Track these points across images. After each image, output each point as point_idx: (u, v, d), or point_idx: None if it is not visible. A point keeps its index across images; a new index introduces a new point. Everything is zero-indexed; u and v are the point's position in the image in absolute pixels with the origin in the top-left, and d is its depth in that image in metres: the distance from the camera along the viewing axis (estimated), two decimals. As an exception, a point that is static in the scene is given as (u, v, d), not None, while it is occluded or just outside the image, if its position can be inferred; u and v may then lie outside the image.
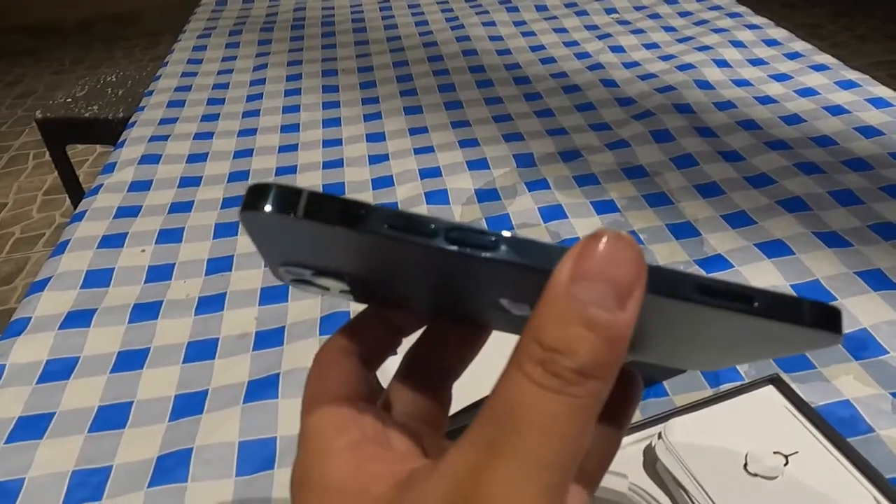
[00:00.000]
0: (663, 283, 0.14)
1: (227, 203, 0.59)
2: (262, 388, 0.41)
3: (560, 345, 0.13)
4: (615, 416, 0.19)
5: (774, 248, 0.48)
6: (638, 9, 0.94)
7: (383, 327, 0.21)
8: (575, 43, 0.85)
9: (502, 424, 0.14)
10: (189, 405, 0.40)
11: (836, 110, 0.65)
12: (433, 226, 0.14)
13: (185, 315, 0.47)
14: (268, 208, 0.14)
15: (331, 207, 0.14)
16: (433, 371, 0.21)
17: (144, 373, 0.43)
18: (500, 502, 0.13)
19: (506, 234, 0.14)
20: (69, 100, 1.45)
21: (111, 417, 0.40)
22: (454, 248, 0.14)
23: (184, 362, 0.43)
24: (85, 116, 1.39)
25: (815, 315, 0.14)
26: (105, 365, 0.43)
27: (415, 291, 0.19)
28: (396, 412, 0.20)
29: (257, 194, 0.14)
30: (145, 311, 0.47)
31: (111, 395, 0.41)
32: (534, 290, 0.14)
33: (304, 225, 0.14)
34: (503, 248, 0.14)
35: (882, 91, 0.67)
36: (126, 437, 0.39)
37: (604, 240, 0.13)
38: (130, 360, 0.44)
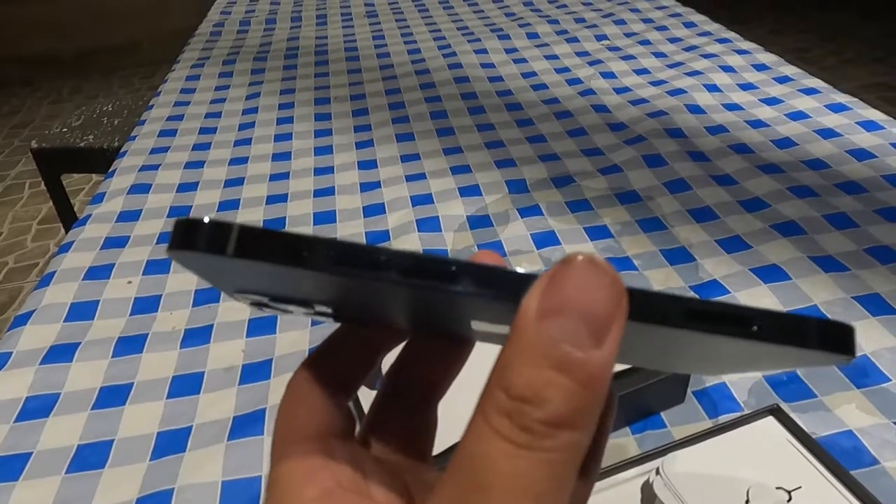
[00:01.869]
0: (648, 310, 0.12)
1: (216, 232, 0.58)
2: (247, 424, 0.40)
3: (528, 392, 0.12)
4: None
5: (770, 273, 0.47)
6: (628, 35, 0.95)
7: (359, 346, 0.19)
8: (566, 69, 0.86)
9: (468, 484, 0.12)
10: (172, 443, 0.39)
11: (827, 133, 0.65)
12: (384, 257, 0.13)
13: (171, 348, 0.46)
14: (195, 246, 0.13)
15: (265, 244, 0.13)
16: (416, 389, 0.19)
17: (127, 409, 0.42)
18: None
19: (468, 262, 0.13)
20: (65, 129, 1.46)
21: (90, 457, 0.38)
22: (412, 281, 0.13)
23: (168, 397, 0.42)
24: (80, 146, 1.39)
25: (822, 336, 0.13)
26: (86, 401, 0.42)
27: (385, 313, 0.18)
28: (376, 447, 0.19)
29: (184, 231, 0.13)
30: (130, 345, 0.46)
31: (92, 433, 0.40)
32: (508, 315, 0.13)
33: (238, 262, 0.13)
34: (465, 279, 0.13)
35: (872, 114, 0.67)
36: (105, 478, 0.37)
37: (574, 266, 0.12)
38: (113, 396, 0.42)
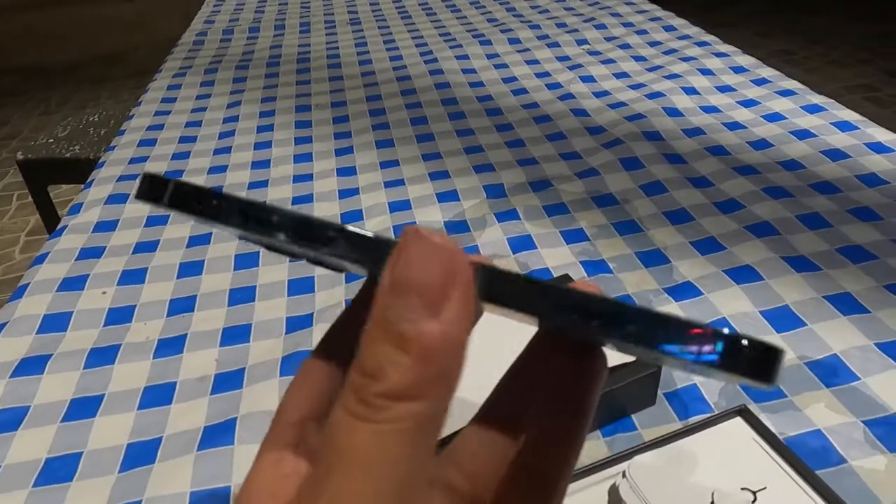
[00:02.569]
0: (496, 291, 0.12)
1: (193, 241, 0.58)
2: (217, 434, 0.39)
3: (370, 368, 0.12)
4: (570, 402, 0.16)
5: (743, 274, 0.48)
6: (608, 39, 0.95)
7: (332, 367, 0.18)
8: (546, 74, 0.86)
9: (321, 459, 0.12)
10: (141, 454, 0.39)
11: (802, 134, 0.65)
12: (275, 218, 0.14)
13: (144, 358, 0.46)
14: (145, 197, 0.15)
15: (189, 199, 0.15)
16: None
17: (97, 421, 0.41)
18: None
19: (350, 228, 0.13)
20: (51, 140, 1.45)
21: (58, 470, 0.38)
22: (298, 244, 0.14)
23: (139, 408, 0.42)
24: (66, 157, 1.39)
25: (730, 354, 0.12)
26: (56, 414, 0.42)
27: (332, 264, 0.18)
28: None
29: (142, 183, 0.16)
30: (102, 356, 0.46)
31: (61, 445, 0.40)
32: None
33: (174, 211, 0.15)
34: (342, 243, 0.13)
35: (847, 114, 0.68)
36: (73, 491, 0.37)
37: (408, 241, 0.12)
38: (83, 408, 0.42)
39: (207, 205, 0.15)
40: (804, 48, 2.61)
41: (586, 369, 0.16)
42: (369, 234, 0.14)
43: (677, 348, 0.12)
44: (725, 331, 0.12)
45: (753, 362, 0.12)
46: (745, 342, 0.12)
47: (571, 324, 0.12)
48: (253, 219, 0.14)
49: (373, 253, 0.13)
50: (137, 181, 0.16)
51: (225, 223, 0.15)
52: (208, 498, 0.36)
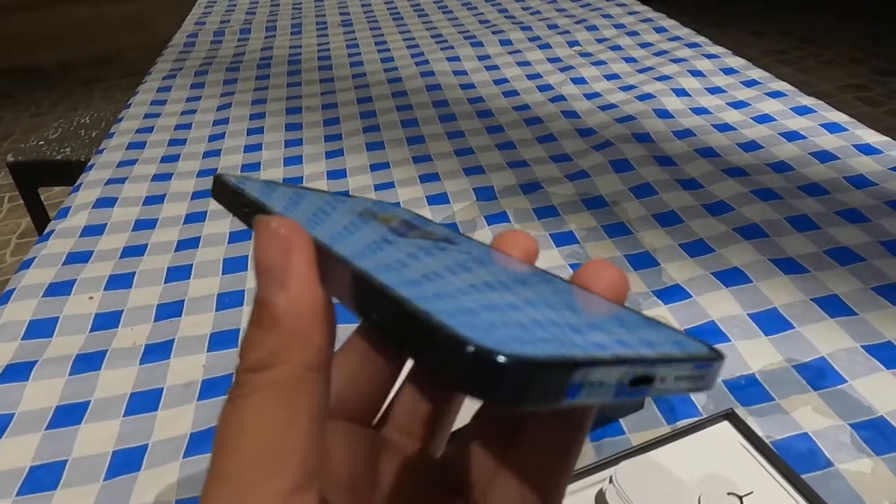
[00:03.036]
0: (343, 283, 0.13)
1: (181, 245, 0.58)
2: (204, 441, 0.39)
3: (241, 350, 0.13)
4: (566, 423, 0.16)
5: (732, 277, 0.48)
6: (600, 41, 0.95)
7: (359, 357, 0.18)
8: (538, 75, 0.86)
9: (215, 448, 0.13)
10: (127, 462, 0.38)
11: (792, 136, 0.65)
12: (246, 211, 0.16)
13: (130, 364, 0.45)
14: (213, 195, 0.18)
15: (227, 195, 0.18)
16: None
17: (82, 428, 0.41)
18: None
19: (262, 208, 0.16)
20: (41, 142, 1.45)
21: (42, 479, 0.38)
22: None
23: (125, 415, 0.42)
24: (57, 159, 1.38)
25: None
26: (41, 421, 0.41)
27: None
28: (389, 429, 0.18)
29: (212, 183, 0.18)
30: (88, 362, 0.46)
31: (45, 453, 0.39)
32: None
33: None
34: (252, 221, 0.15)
35: (837, 116, 0.68)
36: (57, 500, 0.36)
37: (255, 229, 0.14)
38: (68, 415, 0.42)
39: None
40: (798, 48, 2.62)
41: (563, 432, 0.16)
42: None
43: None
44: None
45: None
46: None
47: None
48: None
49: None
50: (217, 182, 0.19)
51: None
52: (193, 506, 0.35)
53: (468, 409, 0.18)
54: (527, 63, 0.90)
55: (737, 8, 3.09)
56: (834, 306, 0.44)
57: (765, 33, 2.79)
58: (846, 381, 0.39)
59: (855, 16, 2.85)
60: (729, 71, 0.81)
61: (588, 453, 0.36)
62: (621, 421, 0.38)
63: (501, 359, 0.09)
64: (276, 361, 0.13)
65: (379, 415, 0.18)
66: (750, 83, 0.77)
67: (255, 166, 0.71)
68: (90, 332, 0.49)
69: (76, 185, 0.69)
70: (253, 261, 0.14)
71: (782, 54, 2.54)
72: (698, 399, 0.39)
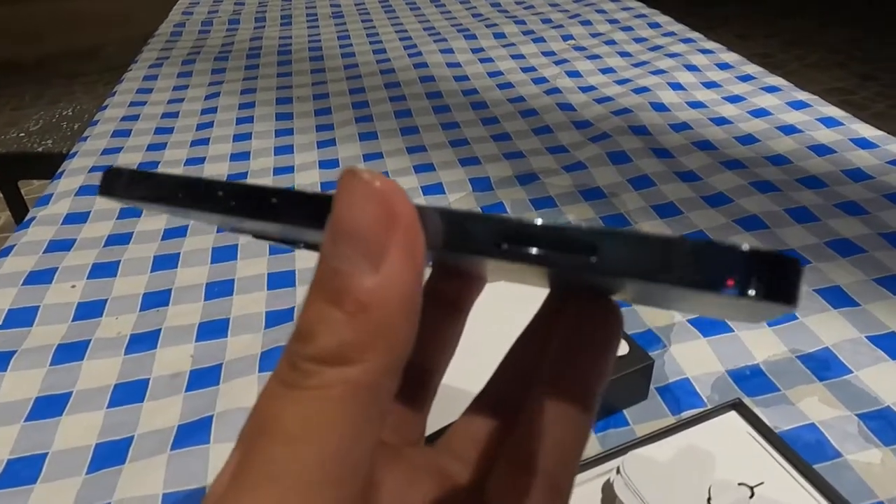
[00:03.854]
0: (447, 234, 0.11)
1: (168, 234, 0.56)
2: (192, 433, 0.38)
3: (303, 329, 0.11)
4: (574, 385, 0.14)
5: (733, 268, 0.47)
6: (594, 36, 0.95)
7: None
8: (532, 68, 0.85)
9: (251, 436, 0.11)
10: (111, 454, 0.37)
11: (788, 130, 0.65)
12: (220, 192, 0.13)
13: (115, 354, 0.44)
14: (104, 192, 0.15)
15: (123, 182, 0.15)
16: (411, 370, 0.18)
17: (63, 420, 0.39)
18: None
19: (290, 190, 0.12)
20: (22, 134, 1.41)
21: (21, 472, 0.36)
22: (244, 217, 0.13)
23: (108, 407, 0.40)
24: (38, 151, 1.35)
25: (710, 270, 0.09)
26: (19, 413, 0.39)
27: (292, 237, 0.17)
28: None
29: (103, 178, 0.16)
30: (70, 352, 0.44)
31: (23, 446, 0.37)
32: None
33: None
34: (284, 212, 0.12)
35: (832, 111, 0.68)
36: (36, 494, 0.35)
37: (343, 185, 0.11)
38: (49, 407, 0.40)
39: (146, 187, 0.14)
40: (782, 51, 2.64)
41: (592, 329, 0.14)
42: (313, 192, 0.12)
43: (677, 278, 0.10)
44: (743, 246, 0.10)
45: (771, 280, 0.09)
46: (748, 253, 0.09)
47: (544, 263, 0.10)
48: (192, 195, 0.13)
49: (322, 212, 0.12)
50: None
51: (168, 203, 0.14)
52: (182, 499, 0.34)
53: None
54: (521, 56, 0.90)
55: (721, 11, 3.12)
56: (837, 297, 0.44)
57: (750, 36, 2.82)
58: (851, 372, 0.38)
59: (839, 20, 2.89)
60: (724, 66, 0.81)
61: (593, 444, 0.35)
62: (625, 412, 0.37)
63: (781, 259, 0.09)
64: (354, 358, 0.11)
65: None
66: (745, 78, 0.77)
67: (245, 155, 0.69)
68: (73, 321, 0.47)
69: (59, 172, 0.67)
70: (332, 217, 0.11)
71: (767, 57, 2.57)
72: (702, 390, 0.38)
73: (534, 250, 0.10)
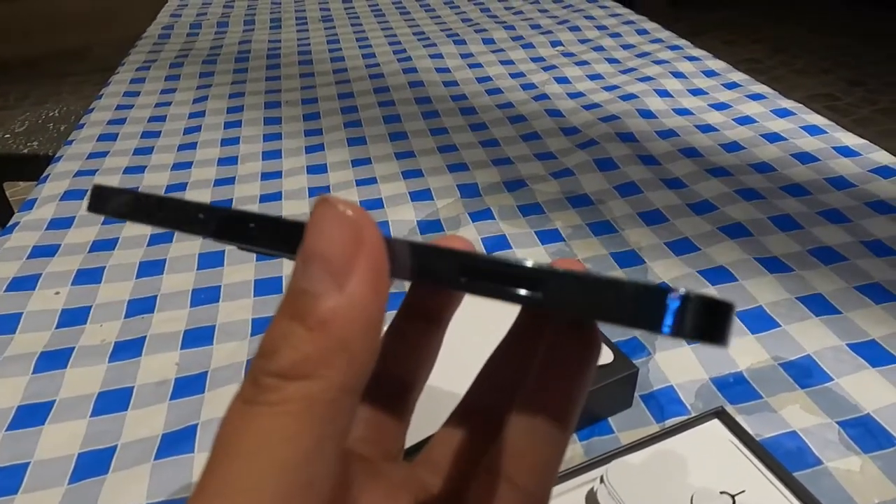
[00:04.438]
0: (416, 264, 0.12)
1: (154, 240, 0.56)
2: (177, 442, 0.37)
3: (267, 345, 0.11)
4: (553, 403, 0.14)
5: (717, 275, 0.47)
6: (582, 42, 0.95)
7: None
8: (521, 74, 0.86)
9: (212, 451, 0.11)
10: (93, 464, 0.36)
11: (773, 137, 0.66)
12: (201, 216, 0.13)
13: (99, 362, 0.43)
14: (94, 208, 0.16)
15: (119, 201, 0.15)
16: (388, 388, 0.18)
17: (46, 429, 0.39)
18: None
19: (265, 217, 0.13)
20: (7, 135, 1.39)
21: (1, 483, 0.35)
22: (221, 241, 0.13)
23: (92, 415, 0.40)
24: (23, 152, 1.33)
25: (643, 310, 0.10)
26: (1, 422, 0.39)
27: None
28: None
29: (90, 194, 0.16)
30: (53, 360, 0.43)
31: (5, 456, 0.37)
32: None
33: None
34: (261, 236, 0.13)
35: (816, 119, 0.69)
36: (17, 505, 0.34)
37: (316, 209, 0.11)
38: (31, 416, 0.39)
39: (128, 205, 0.15)
40: (769, 57, 2.67)
41: (572, 349, 0.15)
42: (289, 219, 0.13)
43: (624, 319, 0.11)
44: (678, 291, 0.11)
45: (703, 322, 0.10)
46: (688, 301, 0.10)
47: (499, 296, 0.11)
48: (175, 218, 0.14)
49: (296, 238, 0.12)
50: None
51: (150, 222, 0.14)
52: (165, 510, 0.34)
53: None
54: (510, 62, 0.90)
55: (708, 17, 3.15)
56: (819, 305, 0.44)
57: (737, 42, 2.85)
58: (833, 380, 0.39)
59: (826, 26, 2.93)
60: (710, 73, 0.82)
61: (577, 453, 0.36)
62: (610, 420, 0.38)
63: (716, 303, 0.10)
64: (313, 372, 0.11)
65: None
66: (731, 85, 0.78)
67: (233, 160, 0.69)
68: (56, 328, 0.46)
69: (43, 176, 0.67)
70: (304, 240, 0.11)
71: (754, 63, 2.60)
72: (686, 397, 0.39)
73: (489, 285, 0.11)
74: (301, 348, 0.11)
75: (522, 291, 0.11)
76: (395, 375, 0.18)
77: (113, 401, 0.40)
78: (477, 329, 0.28)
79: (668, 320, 0.10)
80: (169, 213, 0.14)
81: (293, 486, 0.11)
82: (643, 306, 0.10)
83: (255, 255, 0.52)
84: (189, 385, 0.41)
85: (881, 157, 0.61)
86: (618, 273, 0.49)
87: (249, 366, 0.12)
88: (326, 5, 1.21)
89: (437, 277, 0.12)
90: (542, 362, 0.15)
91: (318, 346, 0.11)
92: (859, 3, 3.09)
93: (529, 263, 0.11)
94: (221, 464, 0.11)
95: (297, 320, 0.11)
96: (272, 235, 0.13)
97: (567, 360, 0.14)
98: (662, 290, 0.10)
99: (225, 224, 0.13)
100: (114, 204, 0.15)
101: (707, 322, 0.10)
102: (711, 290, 0.46)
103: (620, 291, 0.10)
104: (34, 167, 1.32)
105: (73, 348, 0.44)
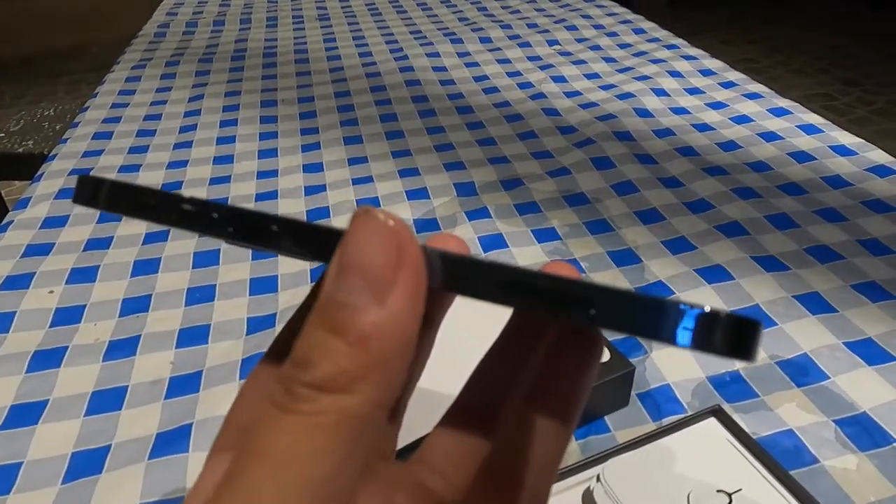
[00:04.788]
0: (454, 274, 0.11)
1: (149, 238, 0.55)
2: (171, 441, 0.37)
3: (301, 356, 0.11)
4: (557, 401, 0.15)
5: (714, 274, 0.47)
6: (579, 41, 0.95)
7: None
8: (518, 73, 0.86)
9: (238, 455, 0.11)
10: (87, 464, 0.36)
11: (770, 136, 0.66)
12: (215, 215, 0.13)
13: (93, 361, 0.43)
14: (81, 201, 0.15)
15: (123, 197, 0.14)
16: None
17: (39, 428, 0.38)
18: None
19: (291, 219, 0.12)
20: (2, 134, 1.39)
21: (-6, 482, 0.35)
22: (240, 242, 0.13)
23: (86, 415, 0.39)
24: (18, 152, 1.33)
25: (687, 328, 0.11)
26: (-7, 421, 0.39)
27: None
28: None
29: (78, 186, 0.15)
30: (47, 359, 0.43)
31: (-3, 455, 0.37)
32: None
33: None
34: (286, 239, 0.12)
35: (812, 118, 0.69)
36: (9, 505, 0.34)
37: (355, 221, 0.11)
38: (24, 415, 0.39)
39: (144, 204, 0.14)
40: (766, 57, 2.68)
41: (576, 347, 0.14)
42: (318, 226, 0.13)
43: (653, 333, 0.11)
44: (704, 307, 0.11)
45: (731, 339, 0.11)
46: (719, 318, 0.11)
47: (536, 310, 0.11)
48: (193, 217, 0.13)
49: (324, 245, 0.12)
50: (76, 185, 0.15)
51: (164, 222, 0.14)
52: (159, 510, 0.33)
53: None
54: (506, 60, 0.90)
55: (706, 17, 3.16)
56: (815, 303, 0.44)
57: (734, 42, 2.85)
58: (829, 378, 0.39)
59: (823, 26, 2.94)
60: (707, 72, 0.82)
61: (573, 451, 0.36)
62: (606, 419, 0.37)
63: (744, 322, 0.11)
64: (349, 387, 0.11)
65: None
66: (728, 85, 0.78)
67: (229, 158, 0.68)
68: (50, 327, 0.46)
69: (38, 174, 0.66)
70: (340, 250, 0.11)
71: (751, 62, 2.60)
72: (683, 396, 0.39)
73: (531, 301, 0.11)
74: (339, 362, 0.11)
75: (569, 310, 0.11)
76: None
77: (107, 400, 0.40)
78: (468, 329, 0.28)
79: (695, 336, 0.11)
80: (178, 213, 0.14)
81: (318, 500, 0.11)
82: (676, 324, 0.11)
83: (250, 254, 0.52)
84: (184, 384, 0.41)
85: (878, 156, 0.61)
86: (614, 273, 0.49)
87: (281, 372, 0.12)
88: (323, 4, 1.20)
89: (472, 291, 0.11)
90: (546, 360, 0.15)
91: (356, 361, 0.11)
92: (857, 3, 3.10)
93: (571, 280, 0.11)
94: (251, 468, 0.11)
95: (335, 333, 0.11)
96: (297, 240, 0.13)
97: (571, 358, 0.14)
98: (699, 313, 0.11)
99: (244, 225, 0.13)
100: (108, 197, 0.15)
101: (738, 340, 0.11)
102: (708, 289, 0.46)
103: (662, 311, 0.11)
104: (29, 166, 1.31)
105: (67, 347, 0.44)
